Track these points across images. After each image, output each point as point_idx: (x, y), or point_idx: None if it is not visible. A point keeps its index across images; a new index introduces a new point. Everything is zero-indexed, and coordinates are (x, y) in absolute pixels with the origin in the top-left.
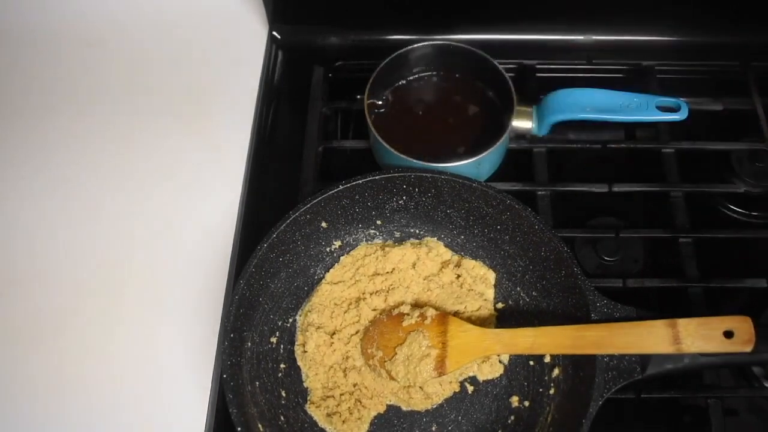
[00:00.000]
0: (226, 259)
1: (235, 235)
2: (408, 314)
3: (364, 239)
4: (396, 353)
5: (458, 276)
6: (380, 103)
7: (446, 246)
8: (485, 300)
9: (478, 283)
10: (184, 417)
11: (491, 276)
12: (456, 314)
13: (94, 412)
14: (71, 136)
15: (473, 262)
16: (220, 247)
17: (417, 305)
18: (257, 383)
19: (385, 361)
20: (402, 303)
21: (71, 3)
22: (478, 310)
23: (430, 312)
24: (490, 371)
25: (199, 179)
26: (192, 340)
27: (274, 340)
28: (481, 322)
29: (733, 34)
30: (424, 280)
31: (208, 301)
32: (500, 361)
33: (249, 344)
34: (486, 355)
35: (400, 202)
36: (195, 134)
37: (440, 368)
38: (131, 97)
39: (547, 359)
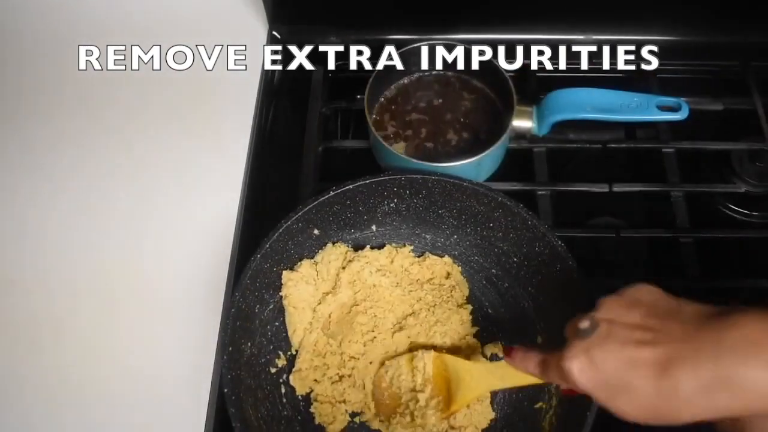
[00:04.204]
0: (226, 259)
1: (235, 235)
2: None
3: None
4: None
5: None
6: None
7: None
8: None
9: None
10: (184, 417)
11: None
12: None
13: (94, 413)
14: (70, 137)
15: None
16: (220, 247)
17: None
18: (258, 394)
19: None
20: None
21: (70, 2)
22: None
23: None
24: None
25: (199, 179)
26: (192, 339)
27: (272, 349)
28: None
29: (733, 34)
30: (401, 290)
31: (208, 302)
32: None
33: (248, 356)
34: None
35: (391, 205)
36: (195, 134)
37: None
38: (130, 97)
39: None
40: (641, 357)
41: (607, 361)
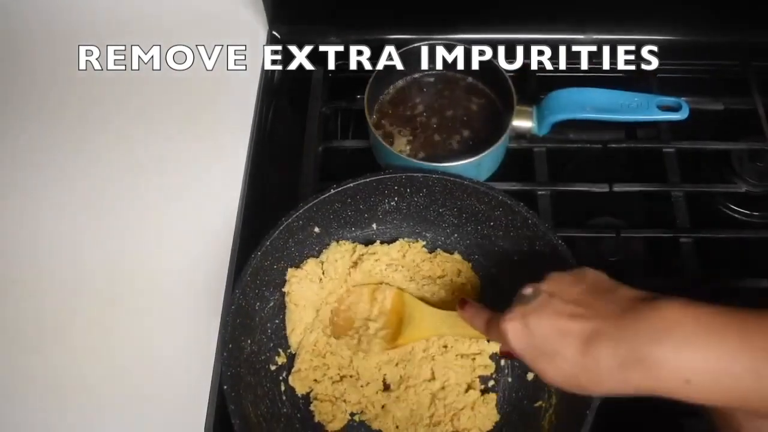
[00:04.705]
0: (226, 258)
1: (235, 235)
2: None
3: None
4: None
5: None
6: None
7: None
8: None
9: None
10: (184, 414)
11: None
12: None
13: (94, 410)
14: (69, 137)
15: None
16: (220, 247)
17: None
18: (258, 391)
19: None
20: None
21: (70, 2)
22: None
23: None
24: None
25: (199, 179)
26: (192, 339)
27: (272, 347)
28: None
29: (733, 34)
30: (415, 285)
31: (208, 301)
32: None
33: (247, 353)
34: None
35: (392, 203)
36: (195, 134)
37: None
38: (130, 97)
39: None
40: (571, 328)
41: (539, 328)
